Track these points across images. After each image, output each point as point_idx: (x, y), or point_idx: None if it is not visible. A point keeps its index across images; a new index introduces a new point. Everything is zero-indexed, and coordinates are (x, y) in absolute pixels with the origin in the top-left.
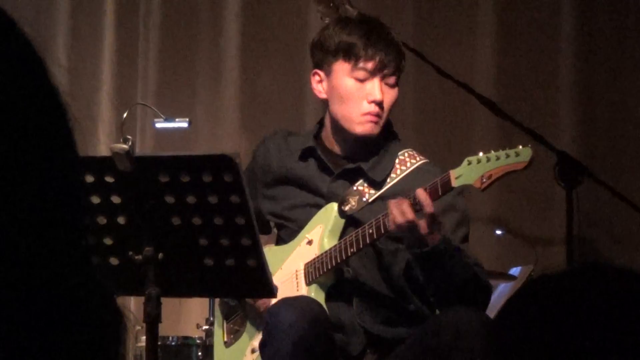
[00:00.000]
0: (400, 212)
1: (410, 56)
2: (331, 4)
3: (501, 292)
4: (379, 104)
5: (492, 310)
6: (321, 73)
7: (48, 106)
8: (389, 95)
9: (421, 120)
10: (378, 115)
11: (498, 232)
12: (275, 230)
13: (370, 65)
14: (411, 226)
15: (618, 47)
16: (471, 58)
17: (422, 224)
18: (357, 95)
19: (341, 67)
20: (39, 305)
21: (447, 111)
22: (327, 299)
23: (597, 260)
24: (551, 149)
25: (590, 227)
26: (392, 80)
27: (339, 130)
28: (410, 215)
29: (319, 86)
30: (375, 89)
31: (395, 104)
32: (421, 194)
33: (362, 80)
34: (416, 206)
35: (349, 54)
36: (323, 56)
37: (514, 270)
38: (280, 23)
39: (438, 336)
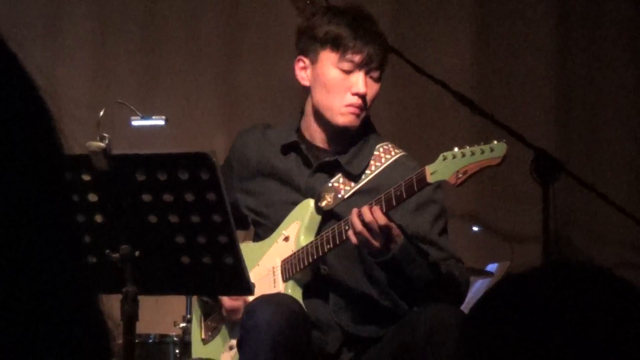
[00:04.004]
0: (357, 219)
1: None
2: (308, 1)
3: (478, 288)
4: (362, 97)
5: (470, 306)
6: (306, 60)
7: (31, 106)
8: (372, 89)
9: (399, 116)
10: (360, 108)
11: (475, 228)
12: (253, 227)
13: (357, 58)
14: (372, 232)
15: (594, 45)
16: (449, 55)
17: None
18: (341, 86)
19: (328, 57)
20: (25, 313)
21: (425, 108)
22: (304, 296)
23: (569, 257)
24: (528, 146)
25: (566, 224)
26: (376, 74)
27: (320, 118)
28: (369, 218)
29: (303, 73)
30: (360, 81)
31: (376, 98)
32: (365, 211)
33: (347, 72)
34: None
35: (337, 44)
36: (310, 43)
37: (491, 267)
38: (257, 20)
39: (413, 332)
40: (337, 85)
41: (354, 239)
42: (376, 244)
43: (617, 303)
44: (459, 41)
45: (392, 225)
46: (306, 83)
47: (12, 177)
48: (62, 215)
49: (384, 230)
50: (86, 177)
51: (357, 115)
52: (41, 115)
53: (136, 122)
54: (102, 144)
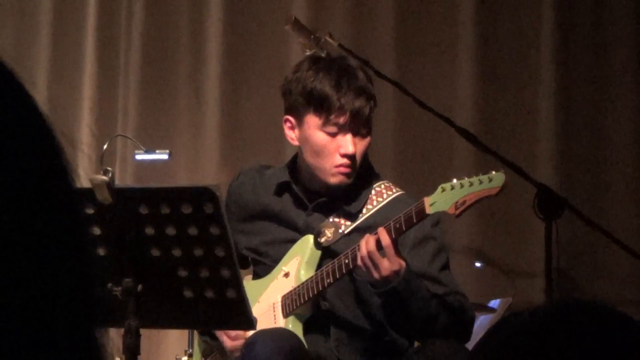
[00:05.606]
0: (365, 245)
1: (391, 87)
2: (312, 37)
3: (480, 324)
4: (351, 157)
5: (473, 342)
6: (293, 120)
7: (44, 143)
8: (361, 145)
9: (401, 150)
10: (350, 167)
11: (477, 264)
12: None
13: (342, 119)
14: (373, 262)
15: (598, 79)
16: (451, 89)
17: (385, 263)
18: (329, 148)
19: (313, 120)
20: (25, 345)
21: (427, 142)
22: (305, 331)
23: (572, 294)
24: (530, 181)
25: (569, 260)
26: (364, 130)
27: (312, 174)
28: (372, 247)
29: (291, 133)
30: (348, 143)
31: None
32: (381, 232)
33: (333, 135)
34: (378, 244)
35: (321, 106)
36: (294, 103)
37: (493, 303)
38: (261, 55)
39: None
40: (325, 148)
41: (359, 263)
42: (377, 274)
43: (622, 342)
44: (462, 75)
45: (399, 255)
46: (296, 143)
47: (25, 212)
48: (75, 250)
49: (389, 257)
50: (89, 211)
51: (348, 175)
52: (54, 151)
53: (140, 156)
54: (105, 178)
